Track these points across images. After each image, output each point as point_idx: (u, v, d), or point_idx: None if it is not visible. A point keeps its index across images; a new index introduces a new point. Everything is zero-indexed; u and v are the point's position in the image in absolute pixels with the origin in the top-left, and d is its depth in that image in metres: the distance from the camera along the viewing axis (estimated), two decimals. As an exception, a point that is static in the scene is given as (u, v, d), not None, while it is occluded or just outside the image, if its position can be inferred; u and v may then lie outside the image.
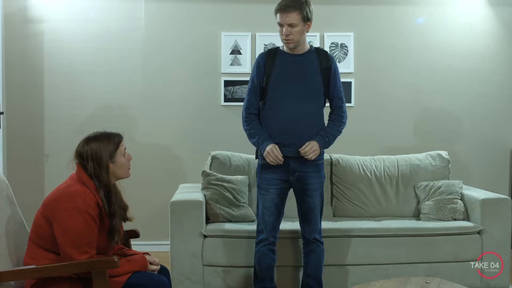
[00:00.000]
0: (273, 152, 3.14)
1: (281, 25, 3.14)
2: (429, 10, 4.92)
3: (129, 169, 2.63)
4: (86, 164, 2.50)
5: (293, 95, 3.18)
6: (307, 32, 3.21)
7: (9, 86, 4.60)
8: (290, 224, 3.68)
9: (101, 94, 4.74)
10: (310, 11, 3.15)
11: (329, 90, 3.26)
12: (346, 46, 4.84)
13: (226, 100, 4.80)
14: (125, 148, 2.61)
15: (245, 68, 4.80)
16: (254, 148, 4.39)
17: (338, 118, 3.30)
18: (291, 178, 3.24)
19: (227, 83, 4.80)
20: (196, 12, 4.79)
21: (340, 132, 3.31)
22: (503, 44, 4.98)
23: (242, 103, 4.74)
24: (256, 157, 3.33)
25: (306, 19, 3.13)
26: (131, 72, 4.77)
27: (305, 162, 3.20)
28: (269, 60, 3.25)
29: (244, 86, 4.79)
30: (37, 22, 4.67)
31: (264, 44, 4.79)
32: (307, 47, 3.27)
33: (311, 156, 3.15)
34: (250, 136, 3.29)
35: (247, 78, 4.77)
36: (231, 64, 4.80)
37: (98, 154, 2.50)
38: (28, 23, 4.67)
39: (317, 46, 3.46)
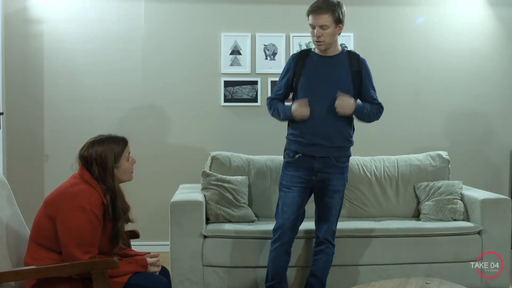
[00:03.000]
0: (300, 106, 3.13)
1: (312, 26, 3.14)
2: (429, 10, 4.92)
3: (132, 172, 2.62)
4: (90, 168, 2.48)
5: (322, 97, 3.17)
6: (339, 34, 3.21)
7: (9, 86, 4.59)
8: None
9: (101, 94, 4.74)
10: (342, 13, 3.15)
11: (361, 93, 3.26)
12: (346, 47, 4.82)
13: (226, 100, 4.80)
14: (129, 153, 2.60)
15: (245, 68, 4.79)
16: (253, 149, 4.45)
17: (378, 106, 3.29)
18: (313, 178, 3.23)
19: (227, 84, 4.79)
20: (196, 12, 4.79)
21: (376, 115, 3.28)
22: (503, 44, 4.98)
23: (241, 104, 4.84)
24: (284, 157, 3.33)
25: (338, 21, 3.14)
26: (131, 72, 4.76)
27: (329, 163, 3.21)
28: (300, 61, 3.25)
29: (244, 86, 4.80)
30: (37, 23, 4.67)
31: (264, 45, 4.78)
32: (339, 49, 3.27)
33: (340, 109, 3.11)
34: (274, 114, 3.30)
35: (247, 79, 4.84)
36: (231, 65, 4.80)
37: (103, 159, 2.48)
38: (28, 23, 4.66)
39: (349, 49, 3.45)
